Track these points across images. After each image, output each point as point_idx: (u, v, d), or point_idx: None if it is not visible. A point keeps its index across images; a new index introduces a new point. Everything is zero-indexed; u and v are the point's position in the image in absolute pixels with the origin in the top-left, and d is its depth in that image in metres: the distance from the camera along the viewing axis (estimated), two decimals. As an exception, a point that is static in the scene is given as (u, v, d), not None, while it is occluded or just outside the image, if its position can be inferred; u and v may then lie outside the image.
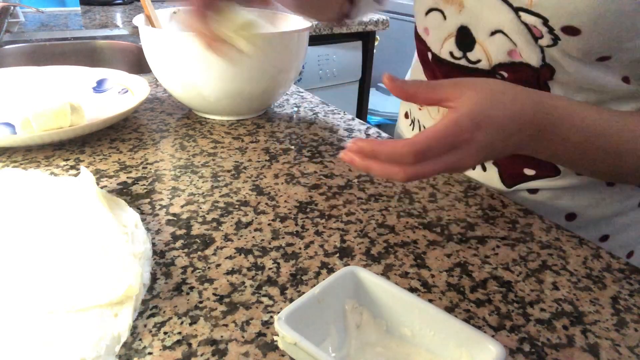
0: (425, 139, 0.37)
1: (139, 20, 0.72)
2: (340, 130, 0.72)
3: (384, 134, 0.72)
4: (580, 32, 0.46)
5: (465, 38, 0.54)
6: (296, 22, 0.78)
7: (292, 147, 0.66)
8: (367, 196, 0.55)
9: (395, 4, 2.44)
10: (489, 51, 0.52)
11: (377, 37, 1.93)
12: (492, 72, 0.53)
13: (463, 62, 0.55)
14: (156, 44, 0.67)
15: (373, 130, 0.73)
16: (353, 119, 0.77)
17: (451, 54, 0.56)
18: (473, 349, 0.31)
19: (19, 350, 0.31)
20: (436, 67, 0.59)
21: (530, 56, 0.50)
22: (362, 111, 2.01)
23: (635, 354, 0.36)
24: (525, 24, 0.48)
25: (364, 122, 0.76)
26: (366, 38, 1.85)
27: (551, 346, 0.36)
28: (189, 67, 0.66)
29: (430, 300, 0.40)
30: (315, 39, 1.69)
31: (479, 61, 0.54)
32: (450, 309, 0.39)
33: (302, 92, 0.89)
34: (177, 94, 0.71)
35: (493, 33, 0.51)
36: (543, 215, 0.54)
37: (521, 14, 0.48)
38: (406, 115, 0.73)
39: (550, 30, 0.47)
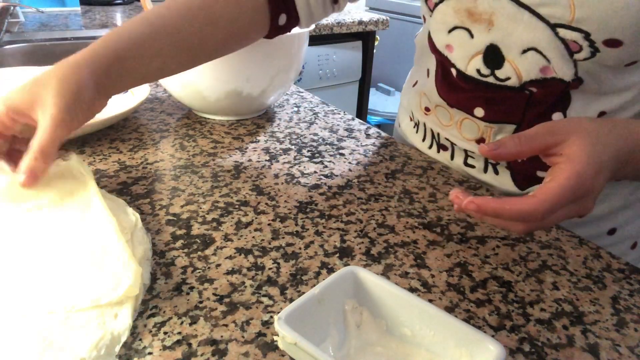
0: (554, 196, 0.37)
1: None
2: (340, 130, 0.72)
3: (383, 134, 0.72)
4: (622, 44, 0.46)
5: (494, 56, 0.53)
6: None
7: (292, 147, 0.66)
8: (367, 196, 0.55)
9: (395, 4, 2.44)
10: (520, 69, 0.52)
11: (377, 37, 1.93)
12: (521, 88, 0.53)
13: (491, 79, 0.54)
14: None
15: (373, 130, 0.73)
16: (353, 119, 0.77)
17: (478, 71, 0.55)
18: (473, 349, 0.31)
19: (19, 350, 0.31)
20: (461, 83, 0.58)
21: (563, 71, 0.50)
22: (362, 111, 2.02)
23: (635, 354, 0.36)
24: (562, 40, 0.48)
25: (364, 122, 0.76)
26: (366, 38, 1.85)
27: (551, 346, 0.36)
28: None
29: (430, 300, 0.40)
30: (315, 39, 1.69)
31: (508, 79, 0.53)
32: (450, 309, 0.39)
33: (302, 92, 0.89)
34: (177, 94, 0.71)
35: (525, 51, 0.51)
36: None
37: (559, 30, 0.48)
38: (410, 118, 0.73)
39: (592, 44, 0.47)
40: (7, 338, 0.32)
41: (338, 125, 0.74)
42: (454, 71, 0.58)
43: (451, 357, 0.33)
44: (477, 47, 0.54)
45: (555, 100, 0.53)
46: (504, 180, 0.60)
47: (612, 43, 0.46)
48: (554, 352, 0.36)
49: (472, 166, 0.63)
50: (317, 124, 0.74)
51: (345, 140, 0.69)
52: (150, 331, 0.35)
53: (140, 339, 0.34)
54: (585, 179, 0.38)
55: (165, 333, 0.35)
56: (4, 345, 0.32)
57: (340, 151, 0.65)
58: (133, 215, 0.45)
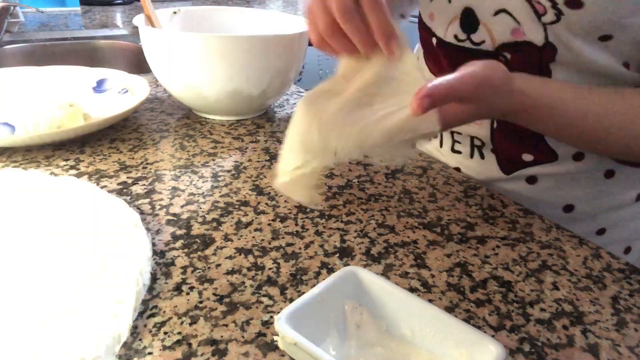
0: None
1: (139, 20, 0.72)
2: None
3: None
4: (583, 5, 0.47)
5: (469, 19, 0.55)
6: (296, 23, 0.78)
7: (292, 147, 0.66)
8: (367, 196, 0.55)
9: (395, 4, 2.44)
10: (493, 31, 0.53)
11: (377, 37, 1.93)
12: (496, 53, 0.54)
13: (467, 44, 0.56)
14: (157, 44, 0.67)
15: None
16: (353, 119, 0.77)
17: (455, 36, 0.57)
18: (473, 349, 0.31)
19: (19, 350, 0.31)
20: (440, 51, 0.60)
21: (533, 35, 0.51)
22: (362, 111, 2.01)
23: (635, 354, 0.36)
24: (529, 1, 0.49)
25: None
26: (366, 38, 1.85)
27: (551, 346, 0.36)
28: (190, 67, 0.66)
29: (430, 300, 0.40)
30: (315, 39, 1.69)
31: (482, 42, 0.55)
32: (450, 309, 0.39)
33: (302, 92, 0.89)
34: (177, 94, 0.71)
35: (497, 13, 0.52)
36: (541, 206, 0.54)
37: None
38: None
39: (554, 5, 0.48)
40: (7, 338, 0.32)
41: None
42: (434, 40, 0.61)
43: (451, 357, 0.33)
44: (454, 12, 0.56)
45: (535, 73, 0.53)
46: (489, 164, 0.61)
47: (573, 4, 0.47)
48: (554, 352, 0.36)
49: (459, 152, 0.63)
50: (317, 124, 0.74)
51: (345, 140, 0.69)
52: (150, 331, 0.35)
53: (140, 339, 0.34)
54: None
55: (165, 333, 0.35)
56: (3, 345, 0.32)
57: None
58: (133, 216, 0.45)
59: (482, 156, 0.61)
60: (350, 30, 0.43)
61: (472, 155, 0.62)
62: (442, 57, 0.60)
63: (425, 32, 0.62)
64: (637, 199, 0.61)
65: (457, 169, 0.64)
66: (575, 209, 0.60)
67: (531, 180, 0.59)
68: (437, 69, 0.62)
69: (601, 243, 0.57)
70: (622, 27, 0.48)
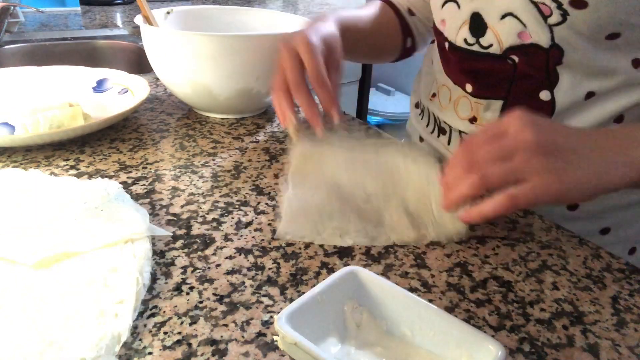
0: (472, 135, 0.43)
1: (140, 20, 0.71)
2: (340, 130, 0.72)
3: (385, 135, 0.72)
4: (587, 5, 0.47)
5: (477, 24, 0.56)
6: (295, 22, 0.78)
7: (292, 147, 0.66)
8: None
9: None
10: (500, 35, 0.54)
11: (377, 37, 1.93)
12: (503, 56, 0.55)
13: (476, 47, 0.57)
14: (164, 44, 0.66)
15: (373, 131, 0.73)
16: (353, 119, 0.77)
17: (465, 40, 0.58)
18: (473, 349, 0.31)
19: (19, 350, 0.31)
20: (451, 55, 0.61)
21: (539, 36, 0.52)
22: (362, 111, 2.01)
23: (635, 354, 0.36)
24: (535, 3, 0.50)
25: (364, 122, 0.76)
26: (366, 38, 1.85)
27: (551, 346, 0.36)
28: (200, 66, 0.65)
29: (430, 300, 0.40)
30: (315, 39, 1.68)
31: (490, 46, 0.56)
32: (450, 309, 0.39)
33: (302, 92, 0.89)
34: (183, 93, 0.71)
35: (503, 16, 0.53)
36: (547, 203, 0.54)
37: None
38: (417, 105, 0.75)
39: (559, 6, 0.49)
40: (7, 338, 0.32)
41: (338, 125, 0.74)
42: (447, 45, 0.62)
43: (451, 357, 0.33)
44: (463, 17, 0.58)
45: (542, 77, 0.54)
46: None
47: (578, 4, 0.48)
48: (554, 352, 0.36)
49: None
50: (317, 124, 0.74)
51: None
52: (150, 331, 0.35)
53: (140, 339, 0.34)
54: (501, 122, 0.42)
55: (165, 333, 0.35)
56: (4, 345, 0.32)
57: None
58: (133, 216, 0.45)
59: None
60: (300, 102, 0.54)
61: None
62: (454, 61, 0.61)
63: (439, 36, 0.64)
64: None
65: None
66: (579, 207, 0.60)
67: None
68: (450, 71, 0.63)
69: (605, 243, 0.58)
70: (630, 25, 0.48)
